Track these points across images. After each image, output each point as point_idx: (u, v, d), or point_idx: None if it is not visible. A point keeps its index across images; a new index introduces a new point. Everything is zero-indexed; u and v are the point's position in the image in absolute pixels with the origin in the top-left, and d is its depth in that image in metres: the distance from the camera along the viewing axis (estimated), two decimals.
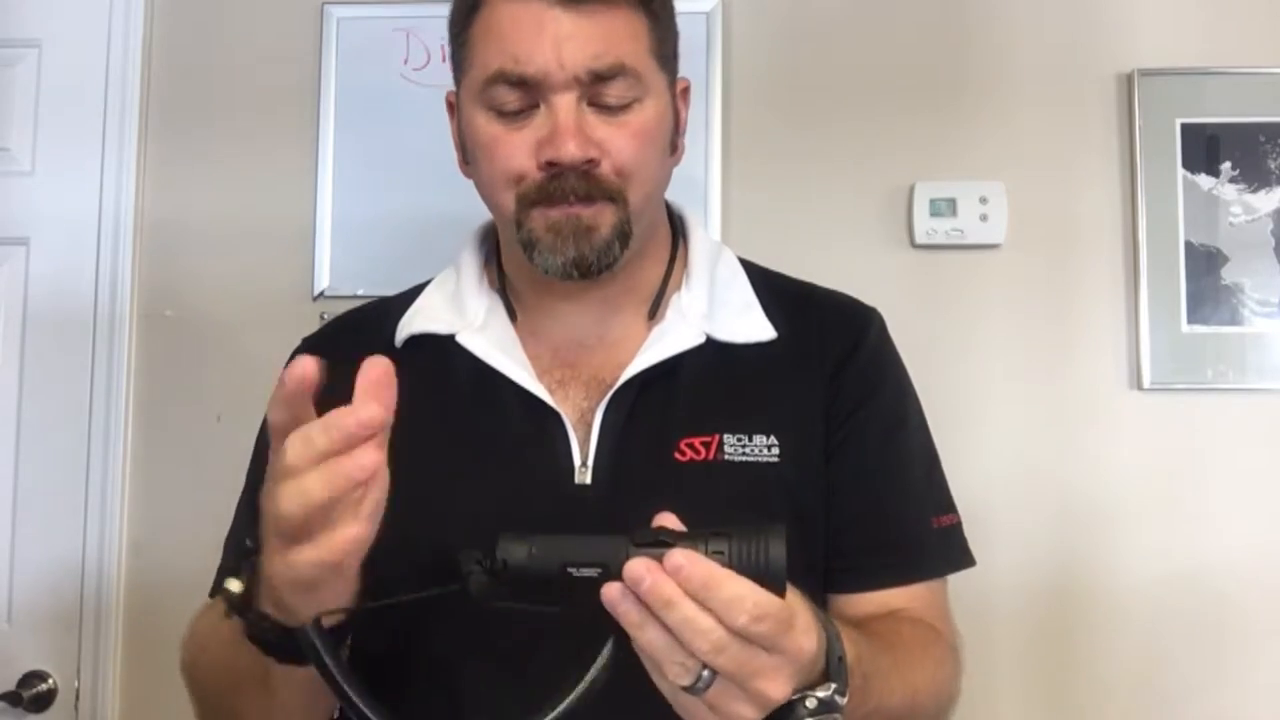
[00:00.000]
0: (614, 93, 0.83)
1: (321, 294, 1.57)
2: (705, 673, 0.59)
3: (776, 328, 0.93)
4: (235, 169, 1.62)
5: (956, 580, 0.95)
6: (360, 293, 1.52)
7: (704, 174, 1.53)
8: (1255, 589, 1.46)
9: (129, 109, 1.62)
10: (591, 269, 0.86)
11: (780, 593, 0.59)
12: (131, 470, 1.59)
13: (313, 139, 1.60)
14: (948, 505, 0.96)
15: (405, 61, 1.58)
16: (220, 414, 1.57)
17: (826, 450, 0.91)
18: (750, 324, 0.93)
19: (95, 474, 1.57)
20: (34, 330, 1.60)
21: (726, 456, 0.87)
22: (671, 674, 0.59)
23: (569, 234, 0.85)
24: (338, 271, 1.58)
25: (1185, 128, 1.51)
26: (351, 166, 1.59)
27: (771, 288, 0.97)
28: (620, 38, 0.83)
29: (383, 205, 1.57)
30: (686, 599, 0.57)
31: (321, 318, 1.45)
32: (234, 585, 0.68)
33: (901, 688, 0.78)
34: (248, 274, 1.60)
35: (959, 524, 0.96)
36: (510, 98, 0.84)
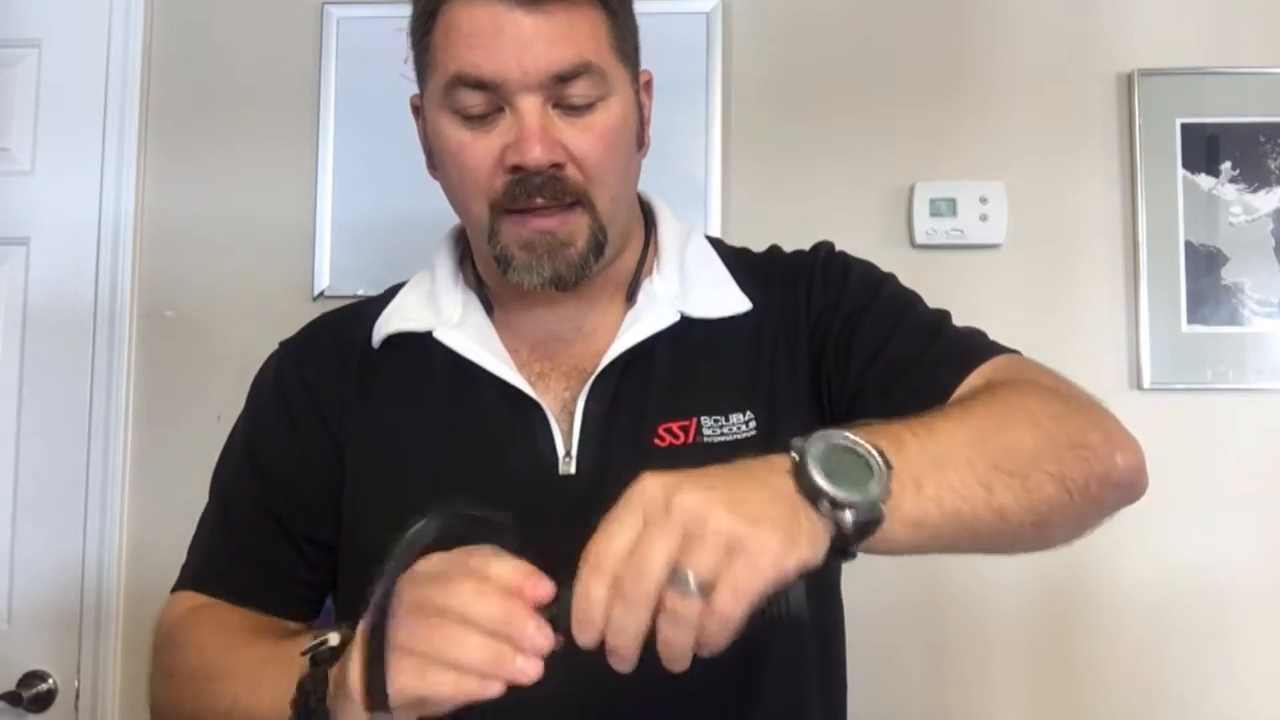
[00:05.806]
0: (578, 92, 0.83)
1: (321, 294, 1.57)
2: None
3: (752, 300, 0.92)
4: (235, 169, 1.62)
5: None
6: (360, 293, 1.51)
7: (704, 174, 1.53)
8: (1255, 589, 1.46)
9: (129, 109, 1.62)
10: (569, 285, 0.86)
11: None
12: (131, 470, 1.59)
13: (313, 139, 1.60)
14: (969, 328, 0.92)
15: (406, 61, 1.57)
16: (220, 414, 1.54)
17: (838, 369, 0.88)
18: (724, 298, 0.92)
19: (95, 474, 1.57)
20: (34, 330, 1.60)
21: (705, 439, 0.86)
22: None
23: (543, 253, 0.84)
24: (338, 271, 1.58)
25: (1185, 128, 1.51)
26: (351, 166, 1.59)
27: (742, 263, 0.97)
28: (580, 35, 0.82)
29: (383, 205, 1.57)
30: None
31: None
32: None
33: (954, 424, 0.70)
34: (248, 274, 1.60)
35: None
36: (473, 101, 0.83)
